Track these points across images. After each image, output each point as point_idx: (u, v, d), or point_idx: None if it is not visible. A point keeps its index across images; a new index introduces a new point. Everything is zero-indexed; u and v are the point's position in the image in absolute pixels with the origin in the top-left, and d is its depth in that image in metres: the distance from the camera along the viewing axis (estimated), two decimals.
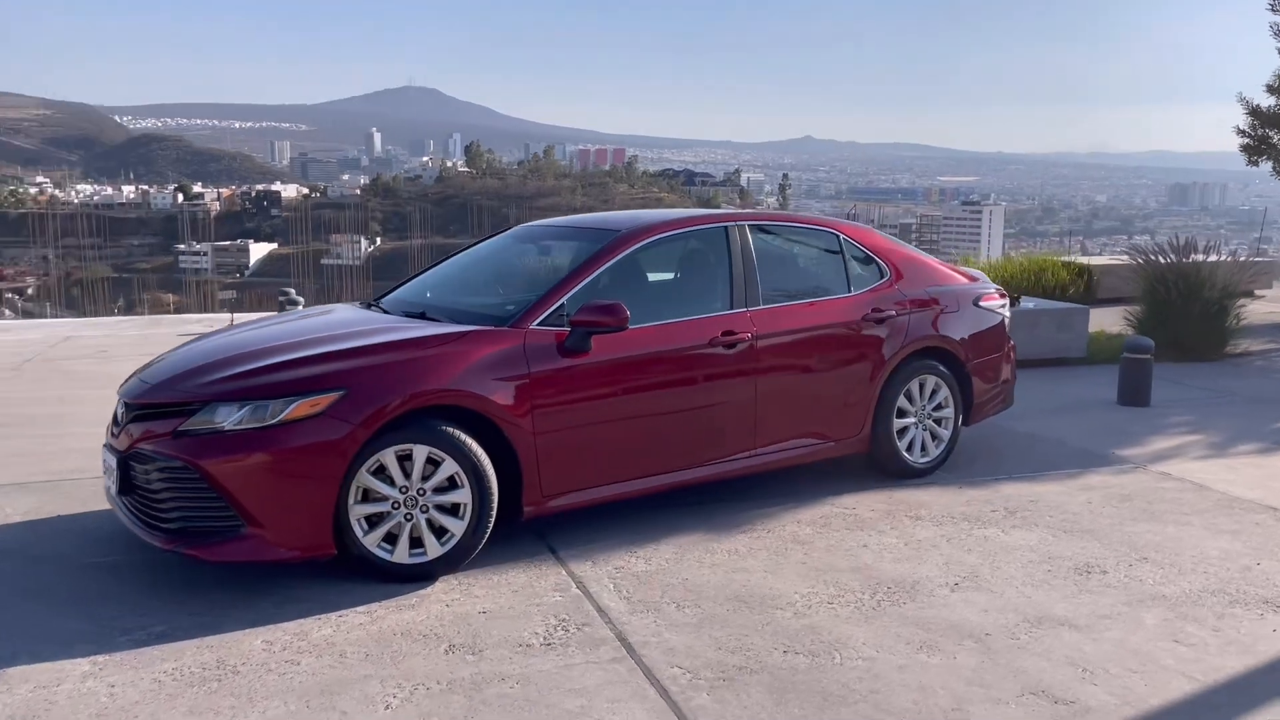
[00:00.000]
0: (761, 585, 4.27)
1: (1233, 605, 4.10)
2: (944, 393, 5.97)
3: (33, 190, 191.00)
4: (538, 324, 4.63)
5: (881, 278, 5.86)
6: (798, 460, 5.50)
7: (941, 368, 5.94)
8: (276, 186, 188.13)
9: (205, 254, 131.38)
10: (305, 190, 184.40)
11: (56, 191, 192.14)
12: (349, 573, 4.25)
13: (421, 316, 4.93)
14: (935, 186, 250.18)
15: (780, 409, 5.32)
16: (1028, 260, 15.28)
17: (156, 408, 4.23)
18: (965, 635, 3.80)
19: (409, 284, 5.74)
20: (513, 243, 5.86)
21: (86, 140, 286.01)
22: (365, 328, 4.75)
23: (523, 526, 4.90)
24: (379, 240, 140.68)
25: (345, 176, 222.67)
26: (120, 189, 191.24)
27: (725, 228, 5.42)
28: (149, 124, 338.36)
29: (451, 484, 4.29)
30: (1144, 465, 6.21)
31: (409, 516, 4.24)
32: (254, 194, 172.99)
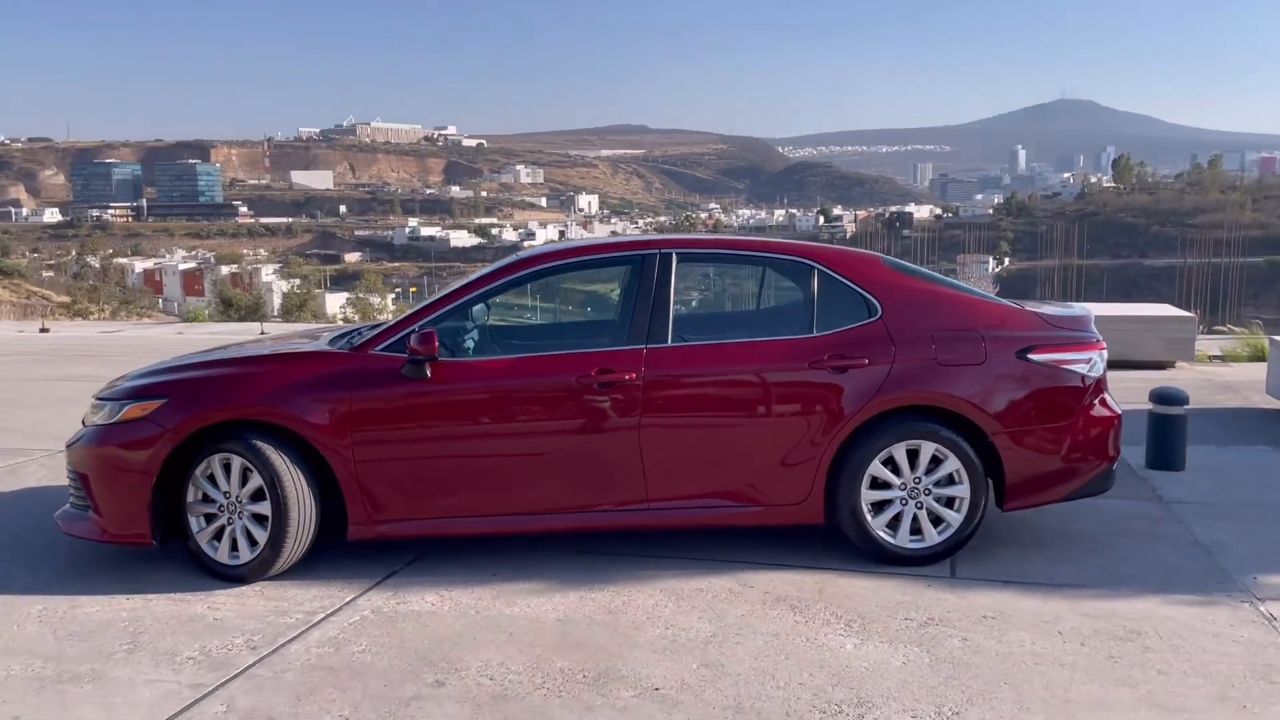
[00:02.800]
0: (466, 648, 3.92)
1: None
2: (952, 465, 4.72)
3: (702, 215, 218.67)
4: (382, 349, 4.72)
5: (869, 316, 4.83)
6: (714, 522, 4.80)
7: (946, 433, 4.71)
8: (910, 208, 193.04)
9: None
10: (938, 211, 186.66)
11: (721, 216, 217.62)
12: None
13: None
14: None
15: (680, 460, 4.71)
16: None
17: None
18: None
19: None
20: None
21: (753, 170, 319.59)
22: (251, 345, 5.26)
23: (418, 543, 5.03)
24: (1007, 261, 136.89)
25: (979, 196, 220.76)
26: (772, 212, 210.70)
27: (642, 256, 4.93)
28: (805, 153, 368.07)
29: (263, 495, 4.60)
30: (1259, 601, 4.29)
31: (230, 520, 4.65)
32: (887, 215, 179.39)
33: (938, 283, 5.05)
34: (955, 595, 4.41)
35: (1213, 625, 4.04)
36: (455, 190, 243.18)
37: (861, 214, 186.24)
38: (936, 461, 4.74)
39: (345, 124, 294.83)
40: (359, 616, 4.27)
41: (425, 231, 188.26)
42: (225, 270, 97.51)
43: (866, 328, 4.79)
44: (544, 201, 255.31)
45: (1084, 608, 4.25)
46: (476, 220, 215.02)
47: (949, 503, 4.77)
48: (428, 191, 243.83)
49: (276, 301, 45.44)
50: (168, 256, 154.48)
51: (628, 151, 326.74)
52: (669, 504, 4.75)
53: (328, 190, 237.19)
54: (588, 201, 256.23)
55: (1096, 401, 4.88)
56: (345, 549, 4.93)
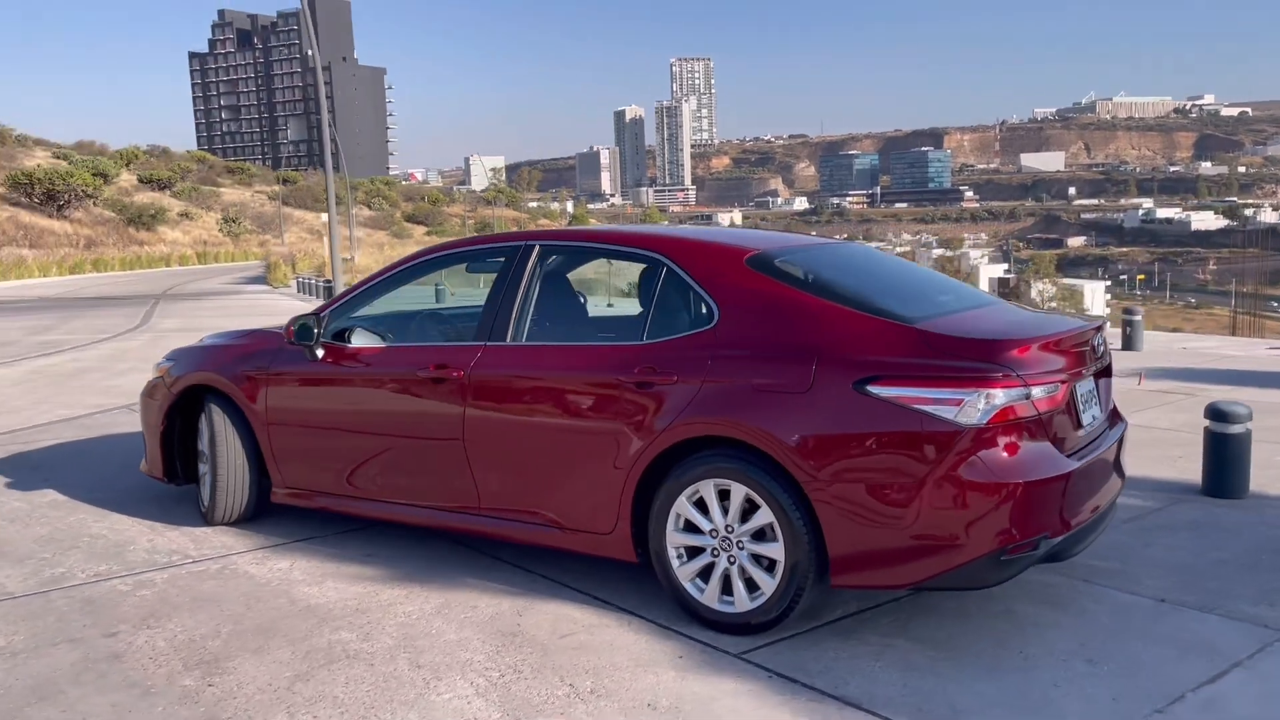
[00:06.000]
0: (196, 610, 4.12)
1: None
2: (766, 516, 3.57)
3: None
4: None
5: (706, 324, 3.84)
6: (530, 540, 4.27)
7: (756, 474, 3.56)
8: None
9: None
10: None
11: None
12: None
13: None
14: None
15: (499, 468, 4.28)
16: None
17: None
18: None
19: None
20: None
21: None
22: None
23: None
24: None
25: None
26: None
27: (506, 249, 4.56)
28: None
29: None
30: None
31: (204, 469, 5.37)
32: None
33: (808, 289, 3.79)
34: (655, 677, 3.37)
35: None
36: (1204, 166, 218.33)
37: None
38: (747, 511, 3.62)
39: (1084, 101, 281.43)
40: (202, 568, 4.68)
41: (1161, 213, 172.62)
42: (935, 253, 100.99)
43: (693, 338, 3.84)
44: None
45: None
46: (1226, 199, 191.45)
47: (767, 564, 3.61)
48: (1171, 169, 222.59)
49: (983, 285, 45.46)
50: (892, 240, 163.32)
51: None
52: (496, 513, 4.34)
53: (1057, 172, 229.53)
54: None
55: (981, 459, 3.26)
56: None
